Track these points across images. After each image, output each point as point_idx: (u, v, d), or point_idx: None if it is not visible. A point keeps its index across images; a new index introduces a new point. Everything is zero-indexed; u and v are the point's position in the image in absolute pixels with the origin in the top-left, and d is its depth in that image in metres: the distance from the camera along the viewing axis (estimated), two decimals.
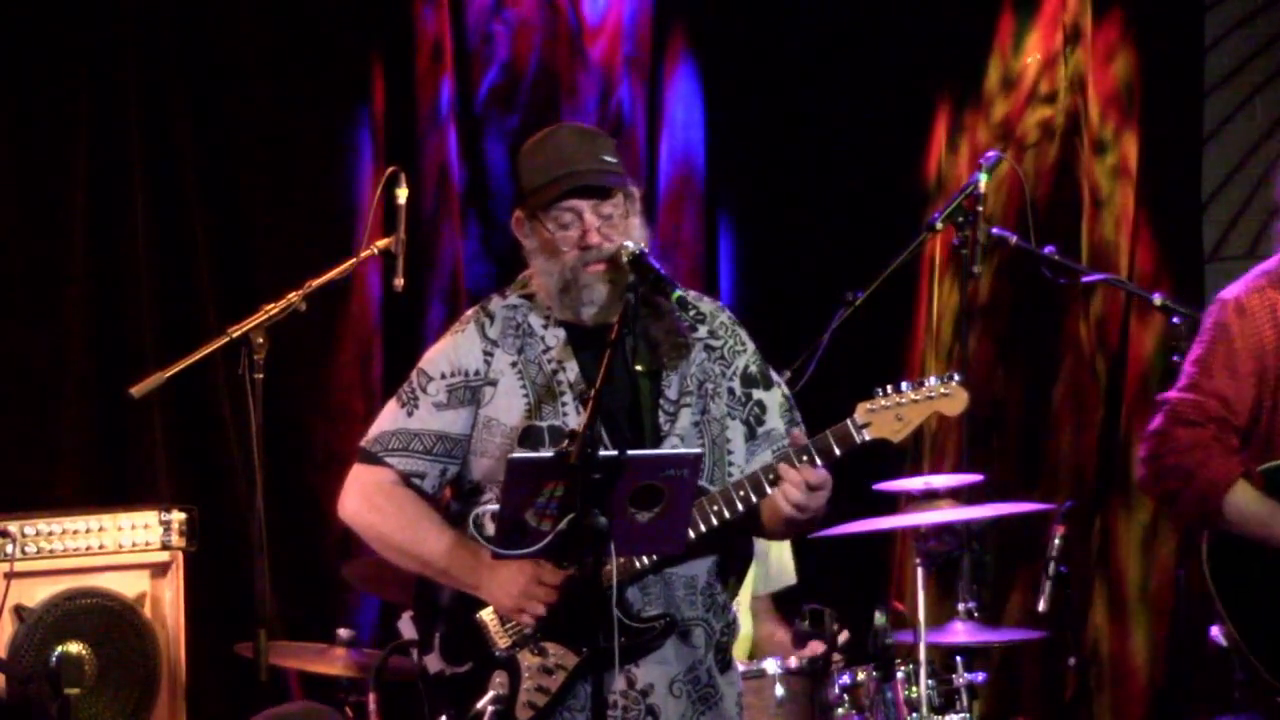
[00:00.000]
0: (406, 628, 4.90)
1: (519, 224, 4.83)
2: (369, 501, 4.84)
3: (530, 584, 4.65)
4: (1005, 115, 8.17)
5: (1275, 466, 5.47)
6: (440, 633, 4.83)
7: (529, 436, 4.75)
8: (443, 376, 4.83)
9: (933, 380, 4.70)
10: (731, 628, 4.87)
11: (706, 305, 4.89)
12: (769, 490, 4.64)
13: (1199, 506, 5.46)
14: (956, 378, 4.71)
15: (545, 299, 4.82)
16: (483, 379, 4.81)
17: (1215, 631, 5.54)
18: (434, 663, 4.83)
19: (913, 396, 4.69)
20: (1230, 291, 5.59)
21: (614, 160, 4.79)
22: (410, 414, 4.83)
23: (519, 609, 4.68)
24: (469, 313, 4.91)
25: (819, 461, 4.63)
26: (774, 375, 4.93)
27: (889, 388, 4.69)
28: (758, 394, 4.87)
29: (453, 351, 4.85)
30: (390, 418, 4.86)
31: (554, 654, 4.73)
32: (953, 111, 8.23)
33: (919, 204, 8.14)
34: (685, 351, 4.81)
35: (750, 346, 4.91)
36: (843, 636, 6.00)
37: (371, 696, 6.39)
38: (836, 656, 5.97)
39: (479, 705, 4.70)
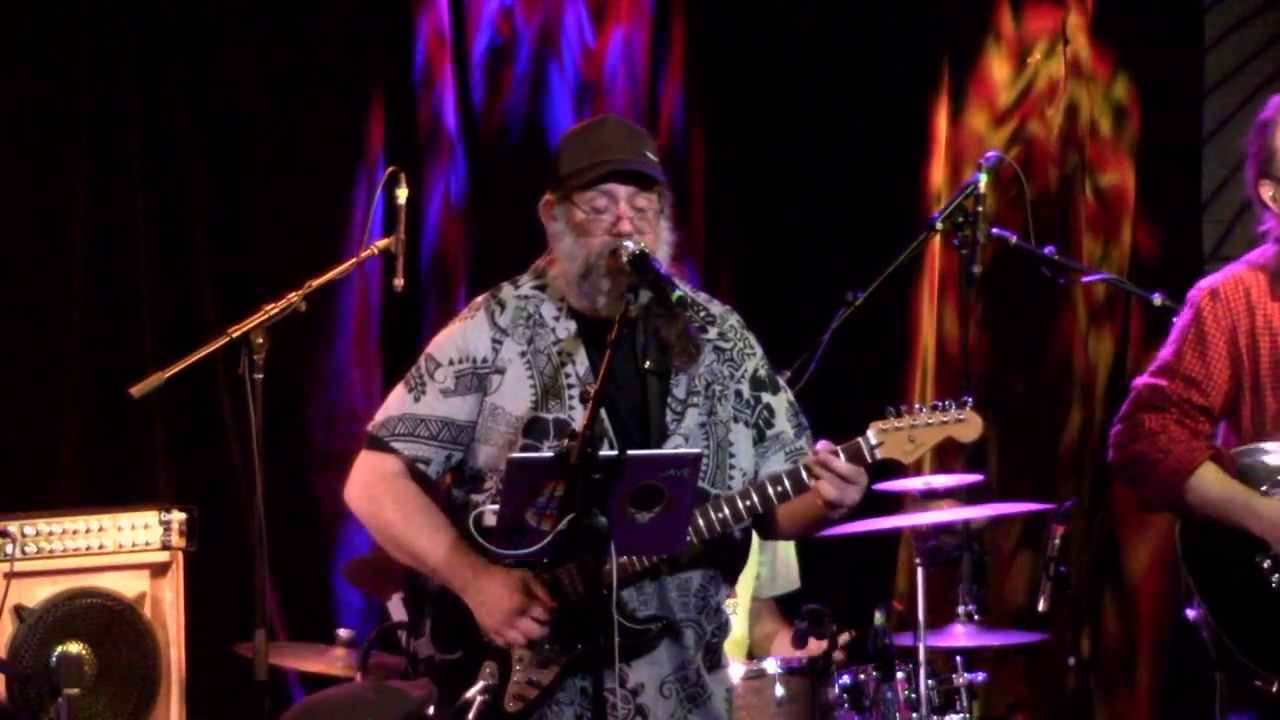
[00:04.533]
0: (396, 609, 4.88)
1: (547, 206, 4.82)
2: (370, 491, 4.84)
3: (513, 615, 4.64)
4: (1005, 114, 8.16)
5: (1247, 450, 5.49)
6: (431, 618, 4.81)
7: (534, 427, 4.75)
8: (450, 363, 4.83)
9: (949, 404, 4.69)
10: (723, 628, 4.87)
11: (716, 308, 4.91)
12: (792, 493, 4.64)
13: (1164, 492, 5.49)
14: (970, 402, 4.70)
15: (563, 285, 4.81)
16: (490, 366, 4.80)
17: (1190, 613, 5.55)
18: (424, 647, 4.81)
19: (927, 420, 4.67)
20: (1207, 279, 5.65)
21: (656, 160, 4.80)
22: (417, 400, 4.83)
23: (498, 633, 4.68)
24: (479, 299, 4.90)
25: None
26: (780, 380, 4.94)
27: (902, 407, 4.68)
28: (766, 397, 4.87)
29: (461, 338, 4.84)
30: (397, 403, 4.86)
31: (547, 648, 4.72)
32: (952, 111, 8.23)
33: (919, 204, 8.14)
34: (697, 355, 4.81)
35: (759, 351, 4.91)
36: (844, 638, 6.00)
37: (358, 677, 6.38)
38: (837, 655, 5.97)
39: (467, 695, 4.67)
